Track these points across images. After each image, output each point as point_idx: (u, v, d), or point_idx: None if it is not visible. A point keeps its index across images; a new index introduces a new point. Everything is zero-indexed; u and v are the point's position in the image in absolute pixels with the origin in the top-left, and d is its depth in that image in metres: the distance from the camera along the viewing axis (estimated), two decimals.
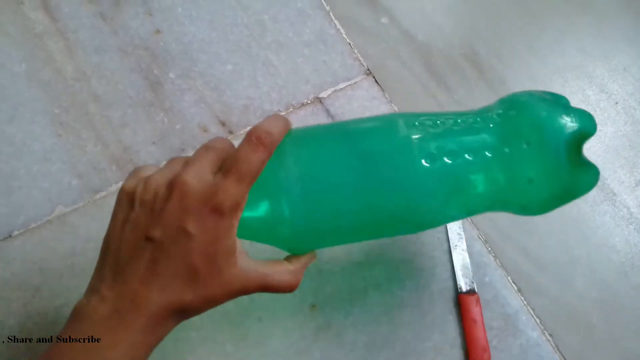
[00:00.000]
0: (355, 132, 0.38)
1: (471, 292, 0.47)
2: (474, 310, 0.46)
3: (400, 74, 0.57)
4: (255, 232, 0.36)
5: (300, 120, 0.53)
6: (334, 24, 0.58)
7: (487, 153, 0.35)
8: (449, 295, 0.48)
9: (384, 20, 0.59)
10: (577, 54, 0.60)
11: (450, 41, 0.59)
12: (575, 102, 0.57)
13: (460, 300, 0.47)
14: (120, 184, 0.49)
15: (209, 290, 0.33)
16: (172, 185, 0.32)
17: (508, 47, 0.59)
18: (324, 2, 0.59)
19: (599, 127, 0.56)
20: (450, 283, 0.48)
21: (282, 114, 0.53)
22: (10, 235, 0.47)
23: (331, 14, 0.58)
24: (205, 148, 0.34)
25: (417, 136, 0.36)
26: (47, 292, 0.45)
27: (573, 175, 0.35)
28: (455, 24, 0.60)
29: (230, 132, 0.52)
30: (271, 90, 0.54)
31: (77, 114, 0.52)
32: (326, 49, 0.57)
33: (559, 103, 0.37)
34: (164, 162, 0.38)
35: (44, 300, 0.45)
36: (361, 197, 0.35)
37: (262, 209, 0.35)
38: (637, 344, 0.48)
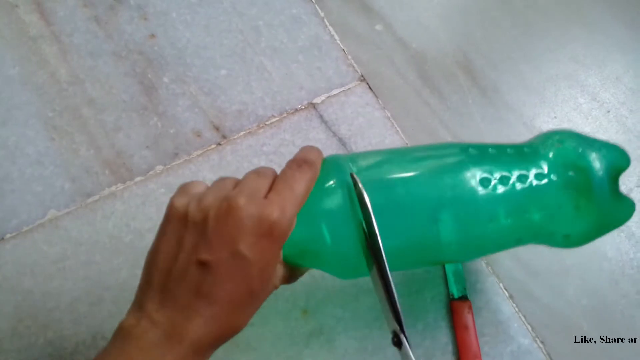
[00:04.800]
0: (409, 162, 0.38)
1: (463, 298, 0.47)
2: (466, 317, 0.46)
3: (394, 81, 0.57)
4: (300, 255, 0.36)
5: (293, 125, 0.53)
6: (329, 30, 0.58)
7: (538, 180, 0.37)
8: (441, 301, 0.48)
9: (378, 27, 0.59)
10: (570, 62, 0.60)
11: (445, 49, 0.59)
12: (567, 111, 0.57)
13: (452, 307, 0.47)
14: (112, 188, 0.49)
15: (256, 309, 0.34)
16: (226, 207, 0.32)
17: (502, 55, 0.59)
18: (318, 8, 0.59)
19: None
20: (442, 289, 0.48)
21: (276, 119, 0.53)
22: (2, 238, 0.47)
23: (326, 20, 0.59)
24: (256, 173, 0.34)
25: (472, 164, 0.37)
26: (39, 295, 0.45)
27: (613, 205, 0.38)
28: (450, 32, 0.60)
29: (224, 137, 0.52)
30: (265, 95, 0.54)
31: (70, 118, 0.52)
32: (320, 55, 0.57)
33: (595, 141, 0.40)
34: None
35: (35, 303, 0.45)
36: (414, 226, 0.35)
37: (306, 234, 0.35)
38: (627, 352, 0.48)
